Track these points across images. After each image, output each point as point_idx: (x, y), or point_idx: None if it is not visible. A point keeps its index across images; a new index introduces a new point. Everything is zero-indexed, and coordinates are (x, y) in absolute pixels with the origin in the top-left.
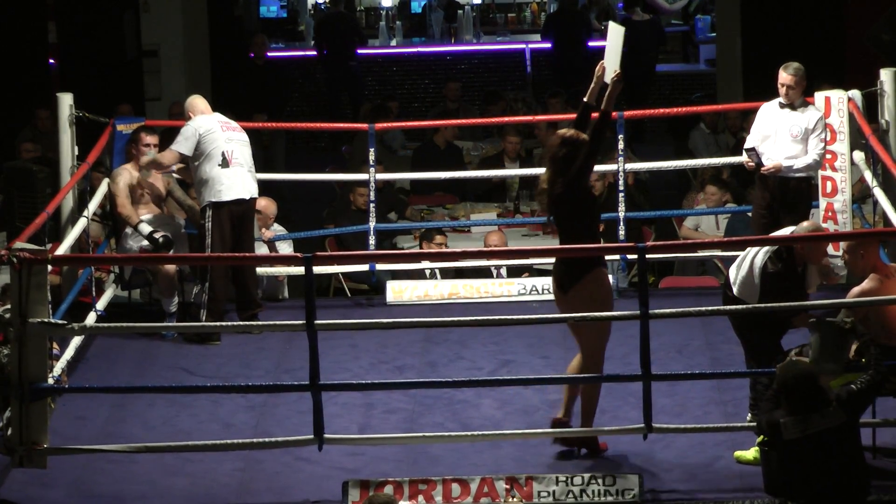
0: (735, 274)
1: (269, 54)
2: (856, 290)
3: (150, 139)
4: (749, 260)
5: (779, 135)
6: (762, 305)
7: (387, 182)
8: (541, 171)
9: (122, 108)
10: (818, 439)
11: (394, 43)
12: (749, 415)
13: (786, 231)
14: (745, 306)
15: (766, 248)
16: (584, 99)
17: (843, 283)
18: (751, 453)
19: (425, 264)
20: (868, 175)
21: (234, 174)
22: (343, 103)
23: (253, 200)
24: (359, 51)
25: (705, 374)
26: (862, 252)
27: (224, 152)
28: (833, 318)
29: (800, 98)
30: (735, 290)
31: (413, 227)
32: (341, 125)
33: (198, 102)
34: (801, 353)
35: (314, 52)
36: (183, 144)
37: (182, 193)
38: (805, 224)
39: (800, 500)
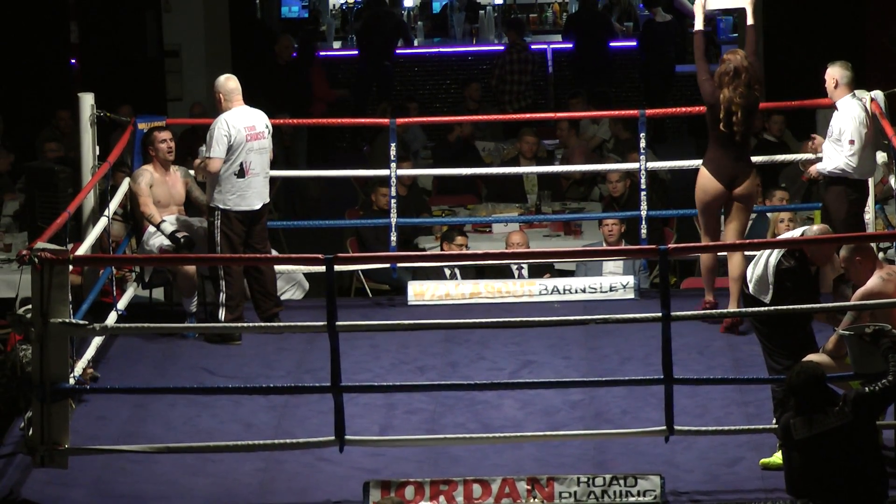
0: (751, 272)
1: (292, 55)
2: (860, 291)
3: (165, 135)
4: (764, 258)
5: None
6: (781, 308)
7: (412, 183)
8: (561, 168)
9: (123, 110)
10: (826, 439)
11: (415, 43)
12: (774, 419)
13: (797, 233)
14: (764, 308)
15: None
16: (700, 28)
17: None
18: (777, 458)
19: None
20: (891, 176)
21: (248, 185)
22: (368, 101)
23: (265, 206)
24: (397, 51)
25: (727, 378)
26: (858, 258)
27: (242, 163)
28: (855, 330)
29: (841, 96)
30: (750, 288)
31: (434, 223)
32: (362, 120)
33: (231, 86)
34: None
35: (336, 53)
36: (221, 148)
37: (201, 192)
38: (815, 227)
39: (818, 500)
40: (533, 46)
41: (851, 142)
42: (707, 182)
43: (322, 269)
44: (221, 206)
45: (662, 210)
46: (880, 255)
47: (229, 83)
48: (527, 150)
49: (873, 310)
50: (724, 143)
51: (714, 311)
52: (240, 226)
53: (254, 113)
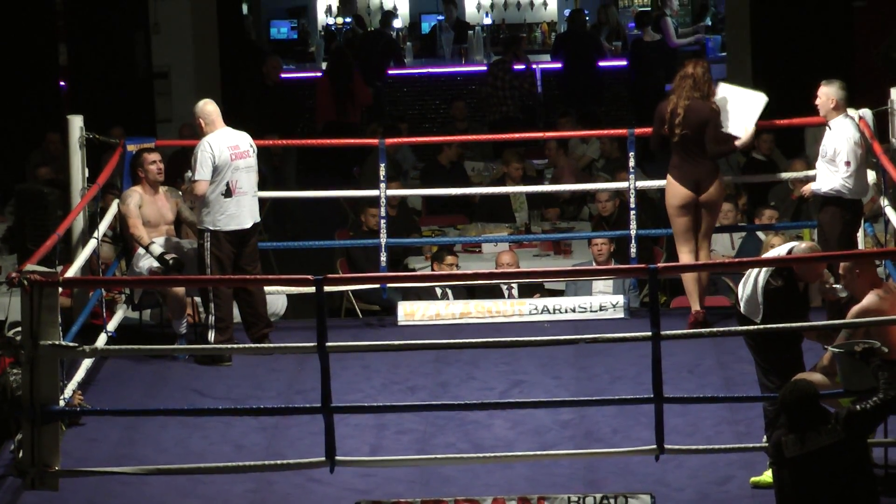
0: (741, 292)
1: (280, 75)
2: (856, 308)
3: (154, 157)
4: (753, 277)
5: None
6: (772, 326)
7: (401, 203)
8: (550, 188)
9: (115, 131)
10: (818, 456)
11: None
12: (765, 437)
13: (784, 249)
14: (755, 327)
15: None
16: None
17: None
18: (767, 476)
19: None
20: (881, 197)
21: (237, 204)
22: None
23: (255, 226)
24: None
25: (717, 397)
26: (858, 271)
27: (229, 182)
28: (845, 347)
29: (835, 116)
30: (742, 307)
31: (424, 244)
32: (351, 141)
33: (209, 110)
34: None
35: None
36: (206, 170)
37: (190, 213)
38: (803, 245)
39: None
40: (521, 66)
41: (847, 163)
42: (673, 188)
43: (312, 290)
44: (211, 228)
45: (652, 229)
46: None
47: (207, 107)
48: (515, 174)
49: (867, 327)
50: (679, 150)
51: (703, 329)
52: (229, 247)
53: (237, 133)
